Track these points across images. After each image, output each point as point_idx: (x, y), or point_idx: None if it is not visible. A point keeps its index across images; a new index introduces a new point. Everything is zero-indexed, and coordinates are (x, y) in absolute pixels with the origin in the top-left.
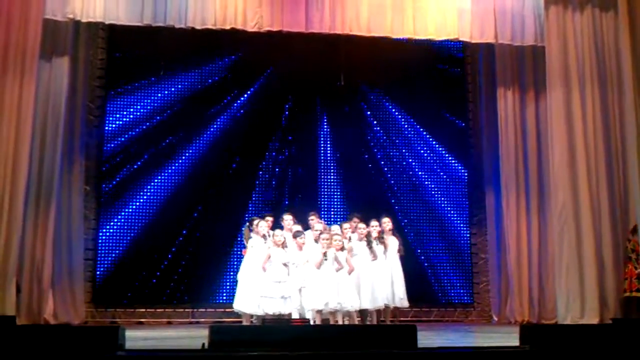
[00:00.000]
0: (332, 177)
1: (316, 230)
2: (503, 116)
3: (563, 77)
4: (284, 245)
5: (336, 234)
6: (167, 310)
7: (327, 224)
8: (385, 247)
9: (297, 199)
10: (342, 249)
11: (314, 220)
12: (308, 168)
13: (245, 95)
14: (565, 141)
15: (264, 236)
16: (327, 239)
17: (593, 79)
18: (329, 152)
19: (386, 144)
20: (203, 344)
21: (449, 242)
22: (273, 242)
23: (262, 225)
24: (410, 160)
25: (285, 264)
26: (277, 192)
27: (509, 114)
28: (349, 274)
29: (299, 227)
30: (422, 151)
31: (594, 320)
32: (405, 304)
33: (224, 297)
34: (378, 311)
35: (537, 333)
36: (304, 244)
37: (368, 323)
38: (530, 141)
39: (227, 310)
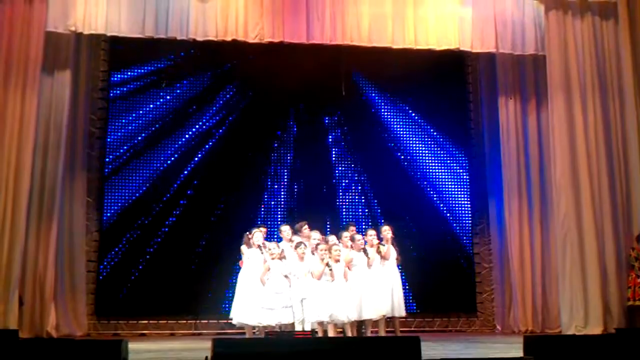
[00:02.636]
0: (338, 187)
1: (314, 239)
2: (504, 125)
3: (564, 85)
4: (281, 256)
5: (335, 244)
6: (169, 321)
7: (327, 233)
8: (382, 257)
9: (304, 210)
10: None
11: (307, 230)
12: (315, 178)
13: (249, 107)
14: (567, 149)
15: (259, 247)
16: (325, 250)
17: (594, 87)
18: (333, 162)
19: (388, 153)
20: (206, 357)
21: (452, 252)
22: (268, 255)
23: (258, 236)
24: (412, 169)
25: (286, 276)
26: (283, 203)
27: (510, 122)
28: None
29: (299, 238)
30: (424, 160)
31: (597, 329)
32: (403, 313)
33: (227, 309)
34: (375, 322)
35: (541, 344)
36: (304, 254)
37: (363, 334)
38: (532, 150)
39: (230, 321)
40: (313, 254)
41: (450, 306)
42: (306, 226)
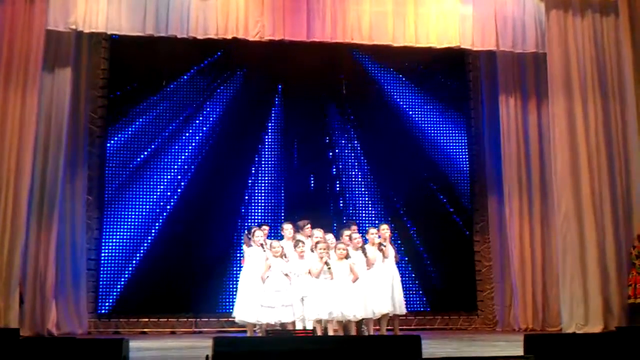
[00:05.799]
0: (337, 184)
1: (315, 238)
2: (505, 123)
3: (565, 83)
4: (283, 255)
5: (341, 243)
6: (170, 320)
7: (334, 230)
8: (384, 255)
9: (303, 208)
10: (347, 257)
11: (309, 229)
12: (316, 173)
13: (248, 104)
14: (567, 147)
15: (261, 245)
16: (324, 249)
17: (595, 85)
18: (331, 159)
19: (388, 151)
20: (207, 356)
21: (452, 250)
22: (271, 252)
23: (259, 234)
24: (413, 167)
25: (286, 274)
26: (282, 201)
27: (510, 120)
28: (353, 282)
29: (299, 237)
30: (424, 158)
31: (598, 327)
32: (403, 311)
33: (227, 307)
34: (376, 320)
35: (542, 342)
36: (303, 252)
37: (364, 333)
38: (533, 147)
39: (231, 319)
40: (312, 251)
41: (451, 304)
42: (309, 225)
